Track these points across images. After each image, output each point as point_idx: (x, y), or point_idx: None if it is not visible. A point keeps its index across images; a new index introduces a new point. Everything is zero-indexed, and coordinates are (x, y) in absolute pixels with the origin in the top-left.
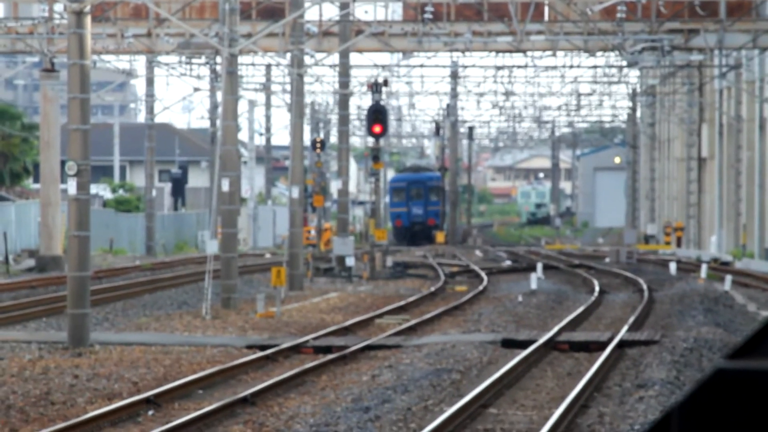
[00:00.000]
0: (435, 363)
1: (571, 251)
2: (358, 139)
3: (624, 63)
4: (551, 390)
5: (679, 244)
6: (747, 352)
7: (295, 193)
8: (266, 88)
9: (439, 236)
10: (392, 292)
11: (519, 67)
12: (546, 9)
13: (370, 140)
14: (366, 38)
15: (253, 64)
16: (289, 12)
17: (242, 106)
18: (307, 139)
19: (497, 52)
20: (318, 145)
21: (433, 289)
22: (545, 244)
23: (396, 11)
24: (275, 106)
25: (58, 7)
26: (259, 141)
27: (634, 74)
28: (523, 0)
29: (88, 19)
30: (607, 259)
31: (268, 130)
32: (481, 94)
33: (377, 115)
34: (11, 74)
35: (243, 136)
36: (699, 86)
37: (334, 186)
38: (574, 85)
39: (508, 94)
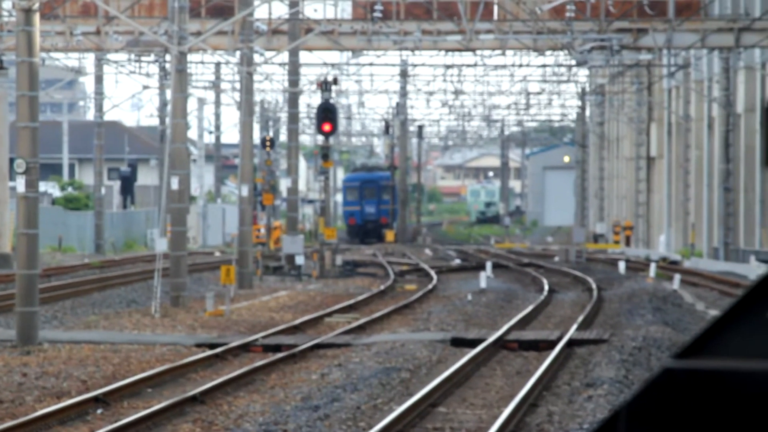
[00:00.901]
0: (384, 362)
1: (521, 250)
2: (308, 138)
3: (573, 62)
4: (500, 389)
5: (628, 243)
6: (694, 351)
7: (245, 191)
8: (216, 86)
9: (389, 235)
10: (342, 290)
11: (468, 66)
12: (495, 8)
13: (320, 138)
14: (315, 37)
15: (202, 62)
16: (238, 10)
17: (192, 104)
18: (256, 138)
19: (447, 50)
20: (267, 143)
21: (382, 287)
22: (495, 242)
23: (345, 10)
24: (225, 104)
25: (7, 4)
26: (209, 139)
27: (583, 73)
28: None
29: (37, 17)
30: (557, 258)
31: (217, 128)
32: (431, 93)
33: (327, 113)
34: None
35: (192, 134)
36: (648, 85)
37: (284, 184)
38: (524, 84)
39: (457, 92)
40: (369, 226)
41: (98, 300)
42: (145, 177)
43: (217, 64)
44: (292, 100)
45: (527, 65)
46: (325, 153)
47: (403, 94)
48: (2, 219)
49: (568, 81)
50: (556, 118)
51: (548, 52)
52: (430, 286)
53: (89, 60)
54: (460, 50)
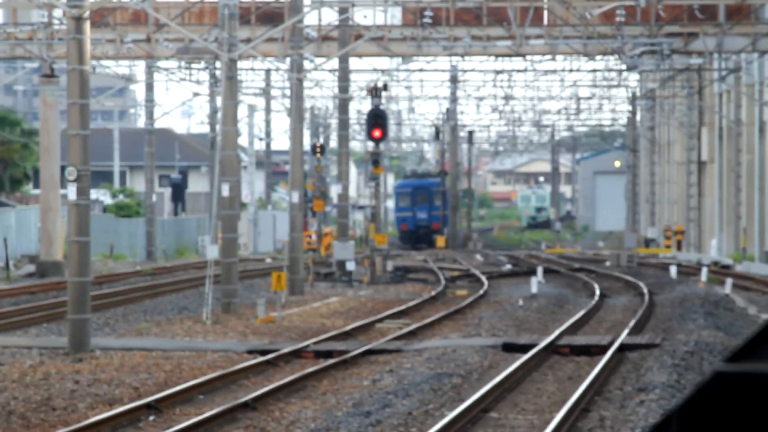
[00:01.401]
0: (436, 367)
1: (572, 255)
2: (358, 144)
3: (623, 67)
4: (552, 394)
5: (679, 247)
6: (746, 355)
7: (295, 197)
8: (266, 92)
9: (440, 240)
10: (393, 296)
11: (518, 71)
12: (545, 13)
13: (370, 144)
14: (365, 43)
15: (252, 69)
16: (288, 17)
17: (242, 111)
18: (306, 144)
19: (496, 56)
20: (318, 149)
21: (433, 293)
22: (545, 248)
23: (395, 16)
24: (275, 110)
25: (58, 12)
26: (259, 146)
27: (633, 78)
28: (522, 4)
29: (87, 25)
30: (608, 263)
31: (267, 134)
32: (481, 98)
33: (377, 119)
34: (11, 80)
35: (243, 140)
36: (698, 90)
37: (334, 190)
38: (574, 88)
39: (507, 98)
40: (421, 231)
41: (150, 307)
42: (196, 184)
43: (267, 71)
44: (342, 107)
45: (577, 70)
46: (375, 159)
47: (453, 99)
48: (54, 227)
49: (618, 86)
50: (607, 123)
51: (598, 57)
52: (481, 292)
53: (140, 67)
54: (510, 55)
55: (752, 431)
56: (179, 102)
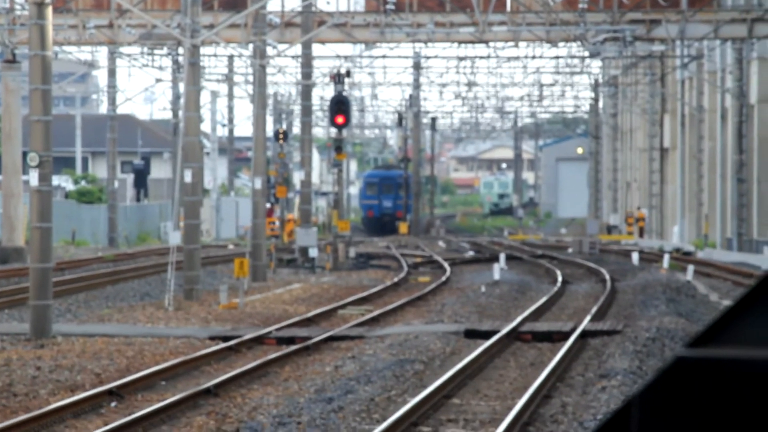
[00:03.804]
0: (398, 354)
1: (534, 242)
2: (321, 130)
3: (586, 53)
4: (514, 380)
5: (641, 234)
6: (707, 340)
7: (258, 184)
8: (229, 79)
9: (403, 227)
10: (355, 282)
11: (481, 57)
12: (508, 0)
13: (333, 131)
14: (328, 29)
15: (215, 55)
16: (251, 3)
17: (204, 97)
18: (269, 130)
19: (459, 42)
20: (281, 136)
21: (396, 279)
22: (508, 234)
23: (358, 2)
24: (238, 97)
25: None
26: (222, 132)
27: (596, 65)
28: None
29: (50, 10)
30: (570, 250)
31: (230, 121)
32: (444, 85)
33: (340, 105)
34: None
35: (205, 127)
36: (661, 77)
37: (297, 177)
38: (537, 75)
39: (470, 84)
40: (386, 219)
41: (112, 293)
42: (158, 170)
43: (230, 57)
44: (305, 93)
45: (540, 57)
46: (338, 145)
47: (416, 86)
48: (16, 213)
49: (581, 72)
50: (569, 110)
51: (561, 44)
52: (443, 278)
53: (102, 53)
54: (473, 42)
55: (712, 415)
56: (142, 88)
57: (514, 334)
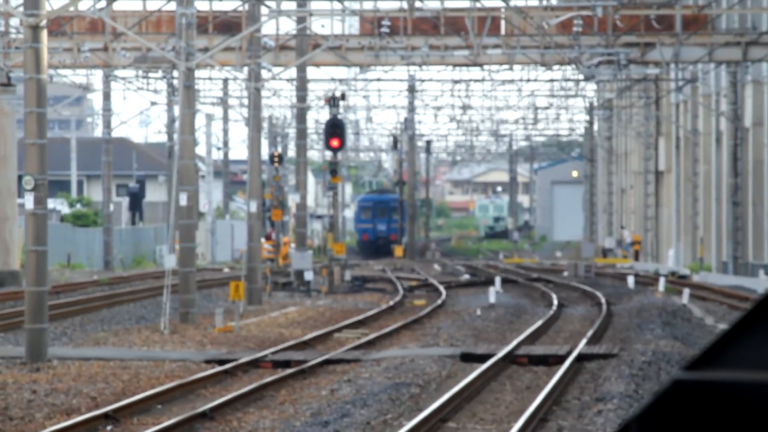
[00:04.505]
0: (394, 377)
1: (530, 265)
2: (316, 153)
3: (581, 76)
4: (510, 404)
5: (636, 257)
6: (704, 363)
7: (253, 207)
8: (224, 102)
9: (398, 250)
10: (351, 306)
11: (476, 80)
12: (502, 23)
13: (328, 154)
14: (323, 52)
15: (210, 78)
16: (245, 26)
17: (200, 120)
18: (264, 153)
19: (454, 65)
20: (276, 159)
21: (391, 303)
22: (503, 257)
23: (353, 25)
24: (233, 120)
25: (14, 21)
26: (217, 155)
27: (590, 88)
28: (480, 14)
29: (44, 34)
30: (566, 273)
31: (225, 144)
32: (439, 108)
33: (335, 129)
34: None
35: (201, 150)
36: (656, 100)
37: (293, 200)
38: (531, 98)
39: (465, 107)
40: (380, 242)
41: (107, 317)
42: (154, 193)
43: (225, 80)
44: (300, 116)
45: (535, 80)
46: (333, 168)
47: (411, 109)
48: (11, 236)
49: (575, 95)
50: (564, 133)
51: (556, 67)
52: (439, 302)
53: (97, 76)
54: (467, 65)
55: None
56: (137, 111)
57: (510, 358)
